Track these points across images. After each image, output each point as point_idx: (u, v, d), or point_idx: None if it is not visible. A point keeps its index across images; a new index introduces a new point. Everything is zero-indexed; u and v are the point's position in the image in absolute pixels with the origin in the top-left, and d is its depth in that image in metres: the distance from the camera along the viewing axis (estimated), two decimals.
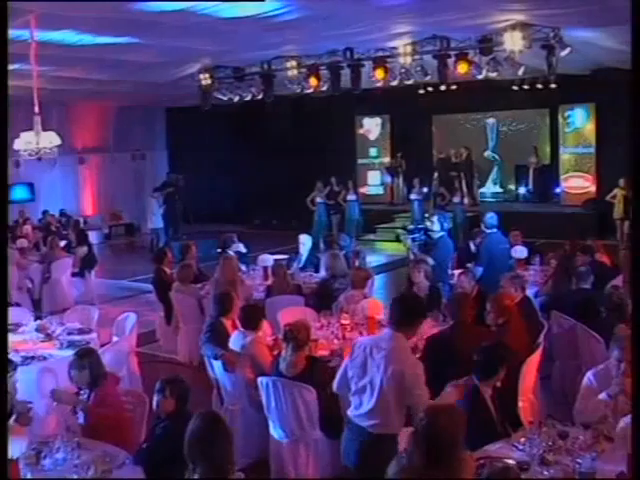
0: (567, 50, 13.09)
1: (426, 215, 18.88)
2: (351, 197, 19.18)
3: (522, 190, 22.20)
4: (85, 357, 5.56)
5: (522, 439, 4.60)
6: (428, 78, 14.90)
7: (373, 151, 24.01)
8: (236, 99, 16.77)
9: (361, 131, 24.06)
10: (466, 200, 18.88)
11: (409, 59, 14.34)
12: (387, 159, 23.64)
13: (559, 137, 21.07)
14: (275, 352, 6.48)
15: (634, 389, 4.20)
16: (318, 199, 19.13)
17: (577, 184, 20.59)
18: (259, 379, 5.83)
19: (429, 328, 6.97)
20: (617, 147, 18.93)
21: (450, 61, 13.94)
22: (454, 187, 19.47)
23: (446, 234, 9.58)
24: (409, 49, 14.19)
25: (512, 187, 22.66)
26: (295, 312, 8.03)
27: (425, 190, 19.96)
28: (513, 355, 5.76)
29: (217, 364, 6.49)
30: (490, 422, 4.77)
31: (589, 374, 5.13)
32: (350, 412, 5.07)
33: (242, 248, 11.62)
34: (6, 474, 4.35)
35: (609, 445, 4.48)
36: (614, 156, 19.02)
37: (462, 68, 13.91)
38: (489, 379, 4.95)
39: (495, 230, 9.39)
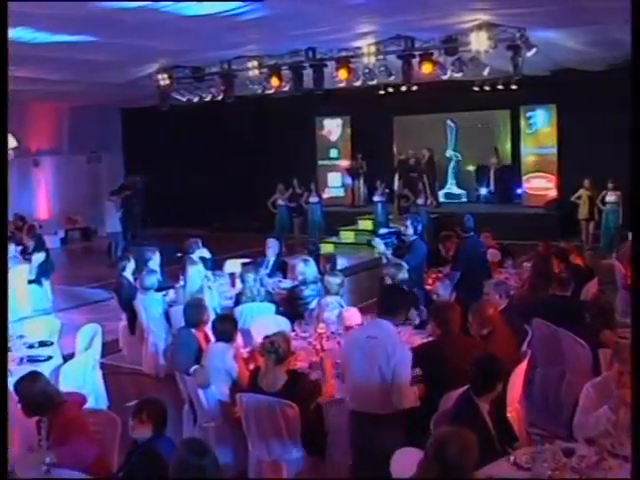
0: (533, 50, 13.02)
1: (390, 217, 18.74)
2: (313, 199, 18.90)
3: (483, 191, 22.14)
4: (18, 385, 4.96)
5: (523, 457, 4.35)
6: (392, 78, 14.75)
7: (333, 152, 23.74)
8: (195, 99, 16.46)
9: (322, 132, 23.79)
10: (429, 201, 18.69)
11: (373, 59, 14.14)
12: (347, 161, 23.39)
13: (520, 138, 21.04)
14: (251, 365, 6.14)
15: (634, 394, 4.15)
16: (280, 201, 18.83)
17: (539, 185, 20.57)
18: (237, 395, 5.50)
19: (410, 336, 6.72)
20: (579, 148, 19.02)
21: (414, 61, 13.78)
22: (417, 189, 19.30)
23: (419, 238, 9.33)
24: (373, 49, 14.00)
25: (473, 188, 22.60)
26: (268, 321, 7.72)
27: (387, 192, 19.74)
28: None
29: (190, 379, 6.13)
30: (489, 439, 4.51)
31: (588, 386, 4.90)
32: (353, 403, 5.27)
33: (206, 253, 11.24)
34: (6, 474, 4.20)
35: (615, 462, 4.26)
36: (576, 157, 19.09)
37: (427, 68, 13.78)
38: (487, 393, 4.70)
39: (472, 233, 9.17)
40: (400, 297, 5.50)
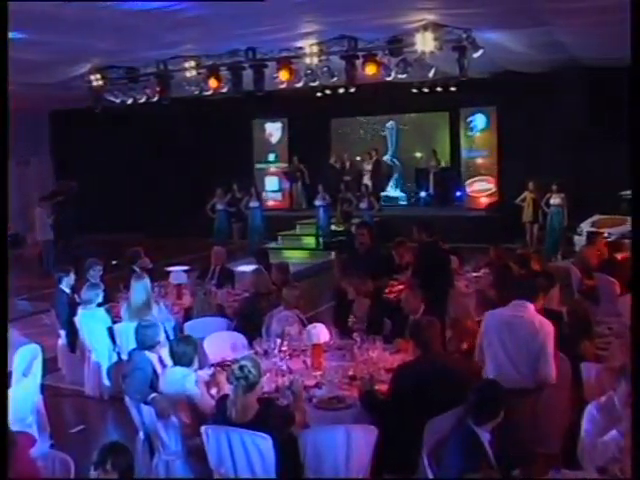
0: (480, 52, 12.84)
1: (332, 221, 18.32)
2: (253, 204, 18.33)
3: (423, 194, 21.98)
4: None
5: None
6: (335, 79, 14.40)
7: (271, 156, 23.27)
8: (129, 101, 15.83)
9: (259, 135, 23.25)
10: (375, 205, 18.25)
11: (315, 60, 13.75)
12: (285, 164, 22.94)
13: (460, 140, 20.94)
14: (213, 390, 5.60)
15: (634, 395, 4.13)
16: (219, 206, 18.21)
17: (480, 188, 20.47)
18: (203, 428, 4.95)
19: (380, 352, 6.27)
20: (519, 150, 19.04)
21: (358, 62, 13.45)
22: (360, 192, 18.96)
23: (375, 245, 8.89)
24: (315, 49, 13.63)
25: (412, 191, 22.43)
26: (222, 338, 7.21)
27: (327, 196, 19.23)
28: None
29: (147, 409, 5.54)
30: (490, 473, 4.13)
31: (592, 409, 4.54)
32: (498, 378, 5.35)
33: (148, 263, 10.60)
34: (6, 474, 3.96)
35: None
36: (516, 159, 19.11)
37: (370, 69, 13.49)
38: (488, 422, 4.32)
39: (432, 239, 8.74)
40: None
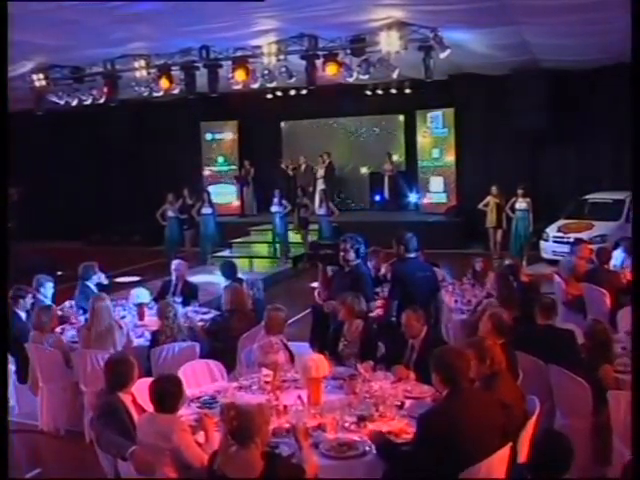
0: (447, 52, 12.35)
1: (289, 228, 17.57)
2: (206, 210, 17.42)
3: (377, 198, 21.43)
4: None
5: None
6: (293, 80, 13.81)
7: (221, 160, 22.41)
8: (74, 102, 15.10)
9: (209, 138, 22.37)
10: (335, 210, 17.45)
11: (273, 59, 13.13)
12: (235, 167, 22.12)
13: (416, 143, 20.40)
14: (199, 436, 4.76)
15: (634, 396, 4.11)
16: (169, 213, 17.28)
17: (438, 191, 19.90)
18: None
19: (383, 384, 5.55)
20: (477, 153, 18.69)
21: (318, 62, 12.84)
22: (318, 197, 18.28)
23: (362, 261, 8.12)
24: (274, 48, 13.07)
25: (367, 195, 21.87)
26: (199, 368, 6.40)
27: (285, 202, 18.37)
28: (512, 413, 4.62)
29: (123, 463, 4.67)
30: None
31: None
32: None
33: (103, 279, 9.67)
34: (6, 474, 4.06)
35: None
36: (474, 162, 18.77)
37: (331, 70, 13.03)
38: None
39: (414, 254, 7.98)
40: None
